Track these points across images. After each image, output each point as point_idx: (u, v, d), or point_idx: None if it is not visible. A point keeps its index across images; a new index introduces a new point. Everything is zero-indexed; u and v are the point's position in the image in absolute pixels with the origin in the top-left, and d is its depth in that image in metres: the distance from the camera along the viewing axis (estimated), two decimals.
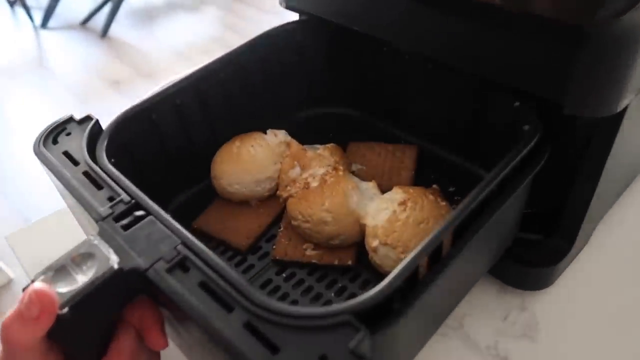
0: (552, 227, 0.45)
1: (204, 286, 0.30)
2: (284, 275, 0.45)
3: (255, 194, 0.49)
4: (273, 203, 0.50)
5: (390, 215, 0.40)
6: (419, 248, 0.31)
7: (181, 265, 0.31)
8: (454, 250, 0.33)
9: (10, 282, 1.39)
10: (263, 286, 0.44)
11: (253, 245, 0.47)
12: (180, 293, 0.30)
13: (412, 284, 0.30)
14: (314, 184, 0.44)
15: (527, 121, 0.40)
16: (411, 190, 0.41)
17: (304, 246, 0.46)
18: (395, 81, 0.53)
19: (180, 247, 0.32)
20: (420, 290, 0.30)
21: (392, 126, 0.57)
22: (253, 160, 0.48)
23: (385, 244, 0.39)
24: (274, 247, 0.46)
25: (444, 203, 0.41)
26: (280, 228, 0.48)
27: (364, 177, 0.51)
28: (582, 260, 0.48)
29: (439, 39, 0.42)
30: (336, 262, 0.44)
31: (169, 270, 0.31)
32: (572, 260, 0.47)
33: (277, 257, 0.46)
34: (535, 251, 0.45)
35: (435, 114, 0.51)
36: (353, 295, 0.42)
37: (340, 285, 0.43)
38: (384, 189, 0.50)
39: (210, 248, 0.47)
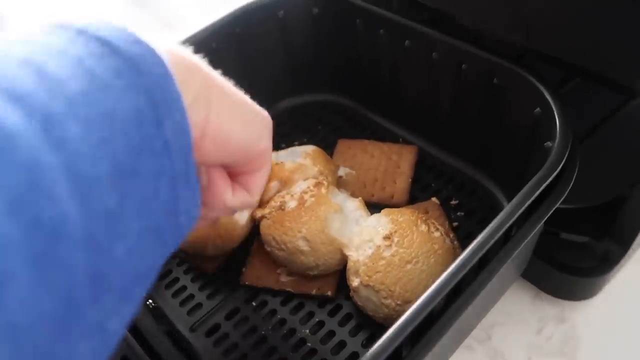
0: (604, 228, 0.38)
1: None
2: (253, 303, 0.39)
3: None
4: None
5: (373, 251, 0.33)
6: (399, 323, 0.24)
7: None
8: (447, 318, 0.26)
9: None
10: (229, 316, 0.38)
11: (221, 265, 0.41)
12: None
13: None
14: (292, 204, 0.37)
15: (548, 135, 0.32)
16: (400, 219, 0.34)
17: (278, 270, 0.39)
18: (393, 68, 0.45)
19: None
20: None
21: (388, 121, 0.49)
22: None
23: (367, 286, 0.33)
24: (244, 269, 0.40)
25: (437, 234, 0.34)
26: (252, 245, 0.41)
27: (353, 185, 0.44)
28: (634, 267, 0.41)
29: None
30: (314, 292, 0.38)
31: None
32: (623, 267, 0.40)
33: (247, 283, 0.39)
34: (581, 256, 0.38)
35: (440, 110, 0.43)
36: (331, 334, 0.36)
37: (317, 319, 0.37)
38: (374, 201, 0.43)
39: (172, 264, 0.42)
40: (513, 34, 0.32)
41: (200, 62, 0.21)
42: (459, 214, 0.42)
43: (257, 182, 0.25)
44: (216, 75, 0.21)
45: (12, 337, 0.11)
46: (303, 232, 0.35)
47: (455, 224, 0.41)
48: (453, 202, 0.43)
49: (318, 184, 0.37)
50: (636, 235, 0.38)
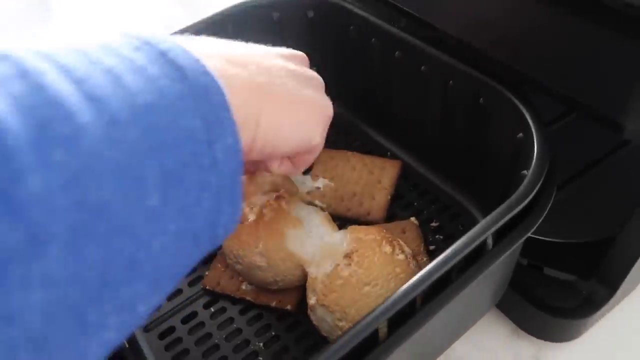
0: (591, 267, 0.36)
1: None
2: (212, 309, 0.38)
3: None
4: None
5: (332, 269, 0.31)
6: (334, 345, 0.22)
7: None
8: (394, 341, 0.24)
9: None
10: (185, 320, 0.37)
11: None
12: None
13: None
14: (251, 217, 0.35)
15: (527, 163, 0.30)
16: (364, 237, 0.32)
17: (241, 278, 0.38)
18: (383, 79, 0.43)
19: None
20: None
21: (378, 133, 0.47)
22: None
23: (323, 305, 0.31)
24: (207, 273, 0.39)
25: (401, 257, 0.32)
26: (220, 248, 0.40)
27: (330, 197, 0.42)
28: (620, 311, 0.38)
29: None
30: (274, 304, 0.37)
31: None
32: (608, 311, 0.38)
33: (208, 287, 0.38)
34: (564, 295, 0.36)
35: (427, 126, 0.41)
36: (285, 350, 0.35)
37: (273, 333, 0.36)
38: (350, 216, 0.41)
39: None
40: (499, 51, 0.30)
41: (256, 74, 0.22)
42: (437, 237, 0.40)
43: (304, 161, 0.28)
44: (270, 77, 0.23)
45: (48, 285, 0.14)
46: (259, 248, 0.34)
47: (432, 247, 0.39)
48: (433, 224, 0.41)
49: (279, 198, 0.36)
50: (624, 277, 0.35)
